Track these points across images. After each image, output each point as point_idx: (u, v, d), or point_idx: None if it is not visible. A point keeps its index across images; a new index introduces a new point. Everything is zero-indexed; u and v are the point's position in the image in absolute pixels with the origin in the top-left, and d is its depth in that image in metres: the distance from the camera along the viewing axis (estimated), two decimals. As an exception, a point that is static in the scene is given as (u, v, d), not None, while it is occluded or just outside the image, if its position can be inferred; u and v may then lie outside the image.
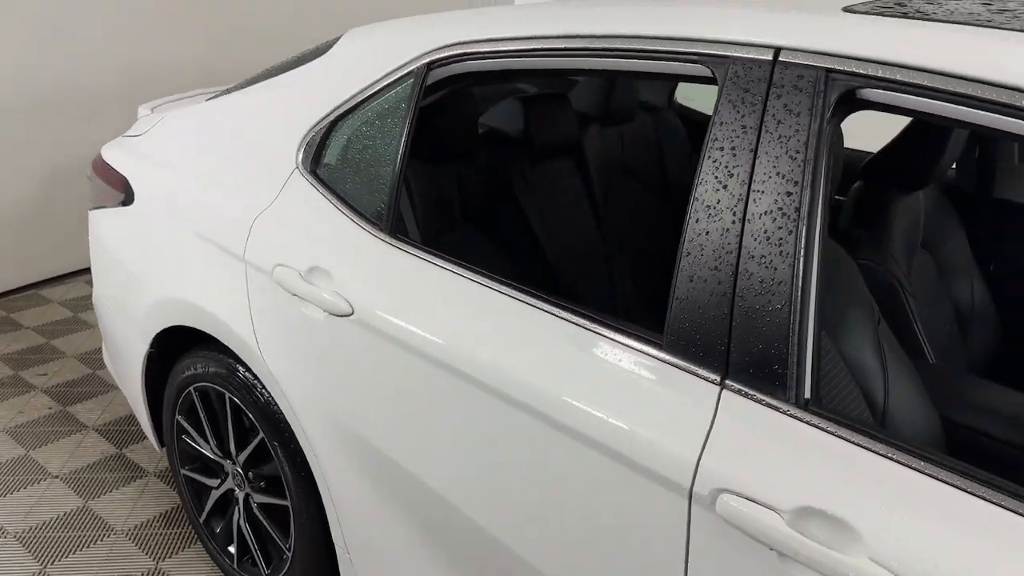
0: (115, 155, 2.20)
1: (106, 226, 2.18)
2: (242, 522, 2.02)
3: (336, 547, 1.76)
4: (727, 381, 1.13)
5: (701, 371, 1.15)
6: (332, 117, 1.71)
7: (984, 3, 1.29)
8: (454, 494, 1.44)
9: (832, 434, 1.04)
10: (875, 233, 1.92)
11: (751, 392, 1.11)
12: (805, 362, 1.08)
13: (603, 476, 1.19)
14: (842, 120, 1.14)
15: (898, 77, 1.06)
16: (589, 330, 1.26)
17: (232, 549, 2.08)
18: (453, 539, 1.48)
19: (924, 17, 1.16)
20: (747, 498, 1.05)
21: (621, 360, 1.22)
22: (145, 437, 2.68)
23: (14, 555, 2.21)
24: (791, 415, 1.07)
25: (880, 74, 1.07)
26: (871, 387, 1.52)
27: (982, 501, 0.93)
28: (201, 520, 2.15)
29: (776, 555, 1.04)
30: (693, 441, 1.11)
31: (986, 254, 2.23)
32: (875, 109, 1.11)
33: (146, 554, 2.23)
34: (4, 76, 3.58)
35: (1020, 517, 0.91)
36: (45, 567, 2.18)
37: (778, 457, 1.05)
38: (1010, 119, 0.98)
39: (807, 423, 1.06)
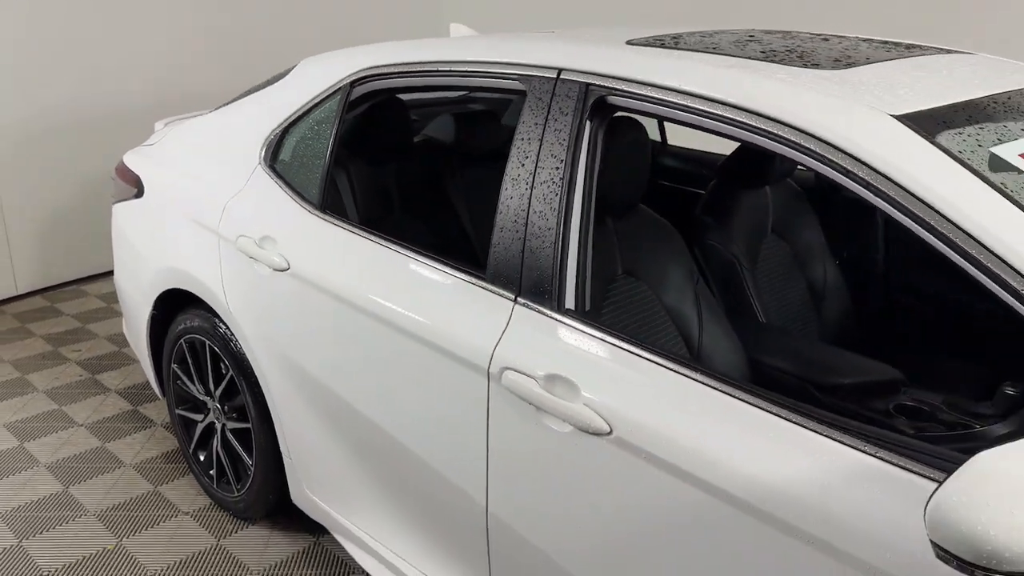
0: (132, 159, 2.77)
1: (123, 216, 2.74)
2: (219, 447, 2.54)
3: (283, 455, 2.26)
4: (519, 298, 1.62)
5: (504, 292, 1.64)
6: (285, 124, 2.25)
7: (735, 41, 1.78)
8: (357, 399, 1.93)
9: (577, 329, 1.52)
10: (721, 220, 2.39)
11: (532, 304, 1.59)
12: (566, 283, 1.57)
13: (436, 365, 1.69)
14: (603, 120, 1.63)
15: (629, 89, 1.55)
16: (447, 272, 1.75)
17: (212, 473, 2.60)
18: (357, 433, 1.97)
19: (679, 47, 1.65)
20: (519, 372, 1.53)
21: (461, 289, 1.71)
22: (156, 398, 3.23)
23: (42, 478, 2.75)
24: (554, 319, 1.55)
25: (617, 86, 1.56)
26: (689, 330, 1.99)
27: (672, 373, 1.39)
28: (190, 450, 2.68)
29: (534, 408, 1.52)
30: (493, 337, 1.60)
31: (841, 242, 2.67)
32: (620, 111, 1.61)
33: (148, 481, 2.76)
34: (59, 104, 4.23)
35: (691, 381, 1.36)
36: (67, 488, 2.71)
37: (541, 344, 1.54)
38: (705, 119, 1.45)
39: (563, 323, 1.54)
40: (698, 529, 1.32)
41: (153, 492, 2.70)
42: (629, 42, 1.74)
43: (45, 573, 2.32)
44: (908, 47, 1.90)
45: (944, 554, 0.90)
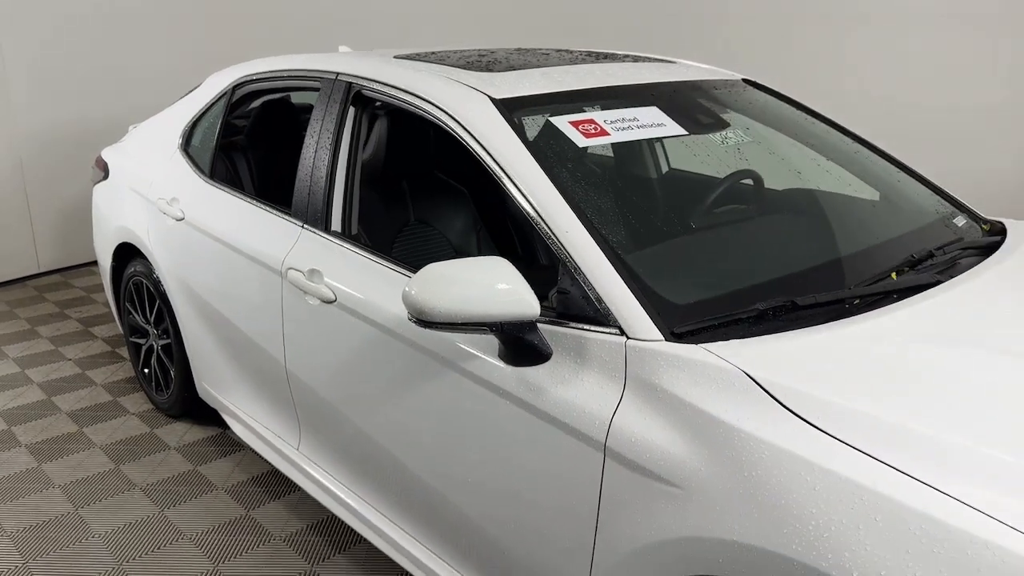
0: (106, 152, 3.67)
1: (97, 194, 3.64)
2: (154, 362, 3.40)
3: (189, 360, 3.10)
4: (305, 224, 2.43)
5: (296, 220, 2.45)
6: (195, 119, 3.12)
7: (464, 55, 2.57)
8: (218, 304, 2.76)
9: (332, 241, 2.32)
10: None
11: (311, 228, 2.40)
12: (332, 214, 2.37)
13: (255, 273, 2.50)
14: (362, 108, 2.44)
15: (369, 84, 2.36)
16: (269, 211, 2.57)
17: (152, 384, 3.46)
18: (221, 330, 2.80)
19: (418, 59, 2.46)
20: (295, 269, 2.34)
21: (275, 222, 2.53)
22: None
23: (32, 391, 3.65)
24: (322, 236, 2.36)
25: (364, 83, 2.38)
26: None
27: (374, 263, 2.18)
28: (139, 369, 3.54)
29: (302, 292, 2.32)
30: (286, 249, 2.41)
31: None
32: (370, 101, 2.41)
33: (109, 393, 3.63)
34: (79, 111, 5.21)
35: (385, 268, 2.15)
36: (51, 397, 3.60)
37: (310, 251, 2.34)
38: (390, 99, 2.25)
39: (325, 239, 2.34)
40: (380, 352, 2.09)
41: (112, 402, 3.57)
42: (395, 56, 2.56)
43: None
44: (606, 56, 2.68)
45: (410, 317, 1.67)
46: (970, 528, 1.15)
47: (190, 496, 2.86)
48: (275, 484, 2.92)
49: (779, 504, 1.30)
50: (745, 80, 2.78)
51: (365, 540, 2.57)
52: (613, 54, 2.77)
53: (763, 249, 2.10)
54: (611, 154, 3.08)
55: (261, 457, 3.03)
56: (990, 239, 2.25)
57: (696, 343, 1.55)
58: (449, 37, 5.77)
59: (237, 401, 2.87)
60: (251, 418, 2.81)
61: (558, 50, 2.83)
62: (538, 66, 2.40)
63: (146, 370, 3.51)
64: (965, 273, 1.95)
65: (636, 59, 2.70)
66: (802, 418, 1.36)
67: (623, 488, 1.54)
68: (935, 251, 2.05)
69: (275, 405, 2.64)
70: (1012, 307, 1.79)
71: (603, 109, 2.20)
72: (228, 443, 3.21)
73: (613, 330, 1.62)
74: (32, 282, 5.19)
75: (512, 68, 2.35)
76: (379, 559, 2.51)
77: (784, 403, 1.39)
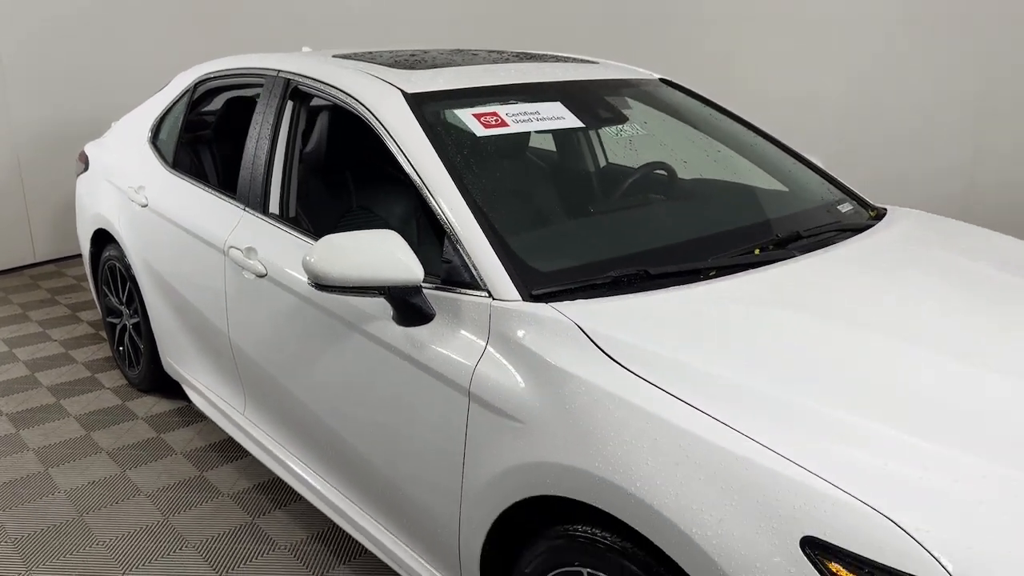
0: (88, 147, 3.95)
1: (80, 185, 3.91)
2: (127, 340, 3.66)
3: (156, 339, 3.36)
4: (246, 208, 2.68)
5: (239, 204, 2.70)
6: (162, 114, 3.38)
7: (395, 54, 2.82)
8: (175, 281, 3.02)
9: (267, 222, 2.56)
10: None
11: (251, 210, 2.65)
12: (270, 198, 2.62)
13: (203, 252, 2.75)
14: (299, 102, 2.69)
15: (302, 80, 2.61)
16: (218, 197, 2.82)
17: (125, 363, 3.72)
18: (177, 305, 3.06)
19: (351, 59, 2.71)
20: (235, 247, 2.59)
21: (222, 206, 2.78)
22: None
23: (17, 367, 3.92)
24: (259, 217, 2.60)
25: (298, 80, 2.63)
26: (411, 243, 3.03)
27: (294, 238, 2.43)
28: (114, 348, 3.81)
29: (240, 267, 2.57)
30: (229, 230, 2.66)
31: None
32: (306, 96, 2.66)
33: (88, 369, 3.90)
34: (74, 108, 5.50)
35: (300, 240, 2.40)
36: (34, 373, 3.87)
37: (249, 231, 2.59)
38: (316, 92, 2.50)
39: (263, 220, 2.59)
40: (299, 319, 2.34)
41: (90, 378, 3.84)
42: (334, 55, 2.81)
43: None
44: (532, 56, 2.92)
45: (309, 281, 1.92)
46: (729, 446, 1.38)
47: (150, 459, 3.11)
48: (230, 450, 3.17)
49: (589, 431, 1.53)
50: (662, 79, 3.01)
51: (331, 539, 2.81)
52: (541, 55, 3.01)
53: (635, 228, 2.33)
54: (553, 147, 3.32)
55: (217, 425, 3.29)
56: (867, 223, 2.47)
57: (548, 303, 1.78)
58: (426, 39, 6.03)
59: (195, 373, 3.13)
60: (206, 388, 3.06)
61: (490, 51, 3.08)
62: (462, 65, 2.65)
63: (120, 348, 3.78)
64: (820, 250, 2.17)
65: (561, 59, 2.94)
66: (615, 360, 1.59)
67: (483, 427, 1.77)
68: (804, 232, 2.28)
69: (224, 374, 2.89)
70: (846, 279, 2.01)
71: (511, 104, 2.44)
72: (190, 414, 3.47)
73: (483, 293, 1.86)
74: (28, 271, 5.49)
75: (435, 66, 2.59)
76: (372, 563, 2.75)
77: (603, 348, 1.62)
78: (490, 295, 1.84)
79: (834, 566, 1.23)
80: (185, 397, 3.43)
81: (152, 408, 3.54)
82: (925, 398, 1.52)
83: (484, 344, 1.81)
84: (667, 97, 2.91)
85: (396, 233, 1.93)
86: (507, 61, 2.77)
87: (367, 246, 1.89)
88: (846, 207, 2.62)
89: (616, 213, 2.50)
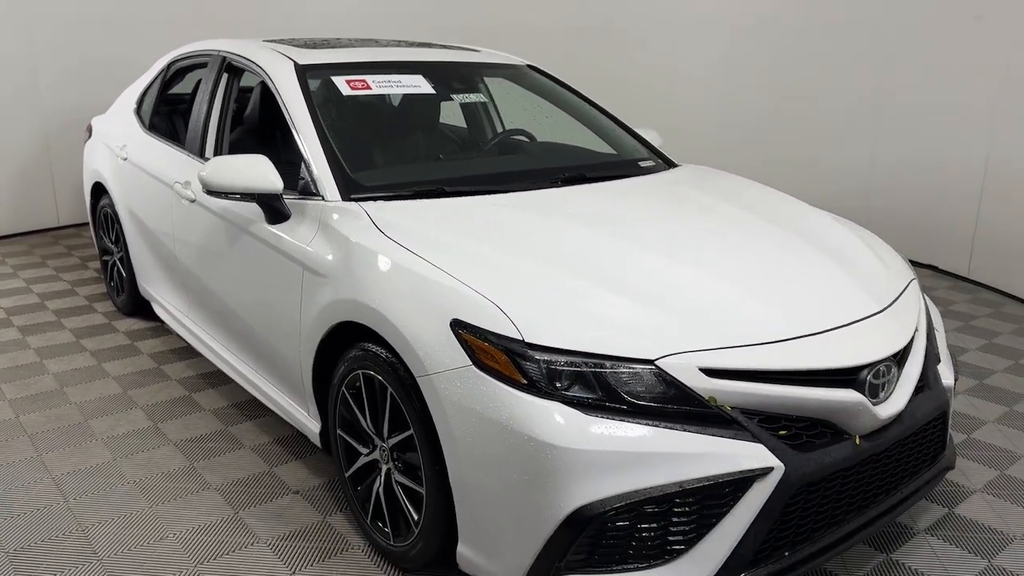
0: (94, 119, 4.84)
1: (85, 150, 4.80)
2: (116, 274, 4.52)
3: (134, 268, 4.21)
4: (191, 154, 3.50)
5: (192, 154, 3.52)
6: (144, 89, 4.26)
7: (313, 40, 3.64)
8: (147, 219, 3.86)
9: (200, 162, 3.39)
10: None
11: (195, 157, 3.48)
12: (207, 145, 3.44)
13: (164, 192, 3.59)
14: (232, 75, 3.51)
15: (234, 58, 3.44)
16: (181, 152, 3.65)
17: (115, 293, 4.59)
18: (153, 244, 3.90)
19: (281, 43, 3.53)
20: (181, 183, 3.42)
21: (183, 158, 3.61)
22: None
23: (30, 298, 4.81)
24: (199, 160, 3.43)
25: (232, 57, 3.46)
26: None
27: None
28: (107, 281, 4.68)
29: (180, 196, 3.40)
30: (177, 171, 3.49)
31: None
32: (237, 68, 3.49)
33: (82, 297, 4.77)
34: (100, 88, 6.45)
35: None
36: (44, 302, 4.76)
37: (190, 170, 3.41)
38: (238, 63, 3.33)
39: (200, 161, 3.42)
40: (210, 227, 3.14)
41: (87, 305, 4.72)
42: (265, 40, 3.64)
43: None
44: (423, 44, 3.71)
45: (203, 189, 2.72)
46: (430, 275, 2.14)
47: (122, 356, 3.95)
48: (185, 353, 4.00)
49: (361, 276, 2.31)
50: (529, 65, 3.79)
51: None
52: (430, 44, 3.80)
53: (451, 166, 3.13)
54: (463, 123, 4.11)
55: (175, 333, 4.12)
56: (649, 169, 3.21)
57: (357, 203, 2.57)
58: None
59: (160, 292, 3.97)
60: (166, 301, 3.89)
61: (398, 41, 3.88)
62: (359, 47, 3.45)
63: (112, 283, 4.64)
64: (593, 183, 2.92)
65: (449, 48, 3.73)
66: (384, 233, 2.37)
67: (309, 285, 2.56)
68: (588, 169, 3.03)
69: (174, 286, 3.72)
70: (594, 198, 2.76)
71: (381, 75, 3.24)
72: (162, 331, 4.31)
73: (319, 198, 2.65)
74: (52, 232, 6.42)
75: (336, 48, 3.40)
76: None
77: (378, 226, 2.40)
78: (323, 199, 2.63)
79: (465, 335, 1.99)
80: (157, 317, 4.27)
81: (132, 326, 4.38)
82: (580, 256, 2.26)
83: (315, 232, 2.59)
84: (530, 79, 3.68)
85: (266, 157, 2.73)
86: (398, 46, 3.57)
87: (244, 165, 2.70)
88: (648, 164, 3.36)
89: (444, 158, 3.29)
